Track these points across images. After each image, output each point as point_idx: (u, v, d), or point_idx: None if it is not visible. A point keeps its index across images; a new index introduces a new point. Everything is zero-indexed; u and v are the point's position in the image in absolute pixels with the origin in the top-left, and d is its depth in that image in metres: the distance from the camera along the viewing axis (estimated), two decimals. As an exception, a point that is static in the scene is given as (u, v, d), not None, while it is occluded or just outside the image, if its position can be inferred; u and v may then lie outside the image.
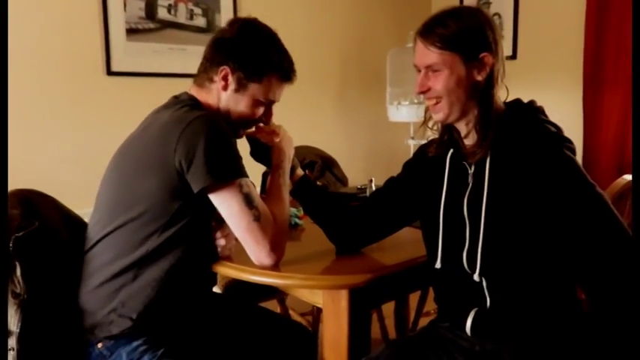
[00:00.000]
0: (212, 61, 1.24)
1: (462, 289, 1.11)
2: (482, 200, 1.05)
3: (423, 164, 1.21)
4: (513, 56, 3.18)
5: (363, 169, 3.10)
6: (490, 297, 1.06)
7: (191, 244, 1.20)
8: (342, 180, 2.40)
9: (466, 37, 1.04)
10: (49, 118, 2.27)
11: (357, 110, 3.31)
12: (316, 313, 2.12)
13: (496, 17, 3.25)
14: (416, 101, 3.10)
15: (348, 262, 1.24)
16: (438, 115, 1.09)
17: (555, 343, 1.04)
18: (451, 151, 1.14)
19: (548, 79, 3.06)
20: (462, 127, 1.11)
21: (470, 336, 1.10)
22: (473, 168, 1.09)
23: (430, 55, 1.05)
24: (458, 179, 1.12)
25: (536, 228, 1.01)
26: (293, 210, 1.58)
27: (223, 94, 1.24)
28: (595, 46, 2.78)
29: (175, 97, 1.27)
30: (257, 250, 1.16)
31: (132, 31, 2.43)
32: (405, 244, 1.35)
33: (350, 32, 3.25)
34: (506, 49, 3.19)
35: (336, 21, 3.18)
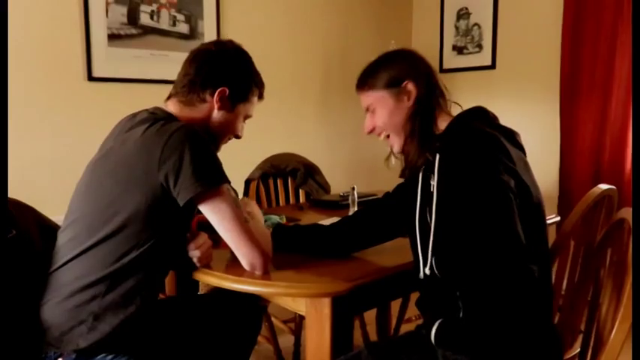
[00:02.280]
0: (205, 81, 1.27)
1: (438, 297, 1.12)
2: (432, 211, 1.08)
3: (408, 181, 1.25)
4: (492, 66, 3.25)
5: (346, 176, 3.12)
6: (463, 307, 1.05)
7: (166, 257, 1.21)
8: (325, 187, 2.41)
9: (384, 73, 1.20)
10: (28, 124, 2.24)
11: (340, 118, 3.34)
12: (299, 320, 2.12)
13: (475, 27, 3.32)
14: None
15: (330, 270, 1.25)
16: (395, 148, 1.22)
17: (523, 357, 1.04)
18: (423, 167, 1.17)
19: (526, 88, 3.13)
20: None
21: (434, 345, 1.09)
22: (435, 179, 1.09)
23: (364, 99, 1.24)
24: (427, 191, 1.14)
25: (466, 236, 1.01)
26: (276, 217, 1.59)
27: (216, 113, 1.29)
28: (571, 57, 2.85)
29: (151, 113, 1.24)
30: (251, 253, 1.17)
31: (113, 37, 2.41)
32: (386, 251, 1.36)
33: (332, 41, 3.27)
34: (486, 58, 3.26)
35: (318, 29, 3.20)
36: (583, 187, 2.68)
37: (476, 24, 3.31)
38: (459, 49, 3.41)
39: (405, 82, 1.17)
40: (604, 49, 2.73)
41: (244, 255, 1.17)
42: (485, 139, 1.05)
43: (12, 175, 2.10)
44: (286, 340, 2.18)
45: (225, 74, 1.28)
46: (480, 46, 3.30)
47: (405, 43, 3.59)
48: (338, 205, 1.97)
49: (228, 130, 1.33)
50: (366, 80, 1.23)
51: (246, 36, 2.88)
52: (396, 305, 2.17)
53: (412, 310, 2.25)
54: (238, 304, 1.41)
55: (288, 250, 1.36)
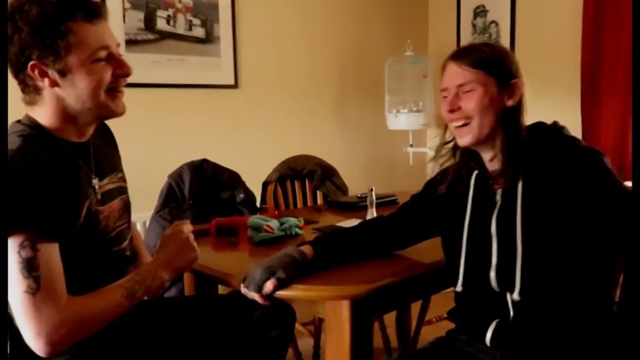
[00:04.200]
0: (19, 72, 1.02)
1: (483, 303, 1.10)
2: (515, 219, 1.04)
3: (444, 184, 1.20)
4: (511, 63, 3.20)
5: (363, 177, 3.11)
6: (514, 310, 1.05)
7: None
8: (342, 189, 2.40)
9: (500, 62, 1.10)
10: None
11: (356, 119, 3.32)
12: (318, 322, 2.11)
13: (493, 25, 3.27)
14: (415, 109, 3.10)
15: (349, 272, 1.24)
16: (466, 138, 1.09)
17: (581, 355, 1.02)
18: (476, 172, 1.15)
19: (546, 85, 3.07)
20: (486, 152, 1.12)
21: (489, 347, 1.08)
22: (520, 190, 1.07)
23: (464, 74, 1.08)
24: (483, 199, 1.12)
25: (575, 241, 1.01)
26: (293, 220, 1.58)
27: (59, 91, 1.02)
28: (592, 54, 2.79)
29: (17, 122, 1.07)
30: (24, 328, 0.93)
31: (131, 42, 2.43)
32: (406, 252, 1.34)
33: (348, 41, 3.26)
34: (504, 56, 3.22)
35: (334, 30, 3.19)
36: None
37: (493, 21, 3.27)
38: (476, 48, 3.37)
39: (515, 81, 1.10)
40: (626, 44, 2.67)
41: (20, 327, 0.94)
42: (596, 156, 1.04)
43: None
44: (306, 343, 2.17)
45: (21, 49, 0.98)
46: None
47: (422, 42, 3.57)
48: (356, 206, 1.96)
49: (95, 88, 1.04)
50: (476, 56, 1.09)
51: (262, 38, 2.89)
52: (416, 307, 2.14)
53: (432, 312, 2.22)
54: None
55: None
